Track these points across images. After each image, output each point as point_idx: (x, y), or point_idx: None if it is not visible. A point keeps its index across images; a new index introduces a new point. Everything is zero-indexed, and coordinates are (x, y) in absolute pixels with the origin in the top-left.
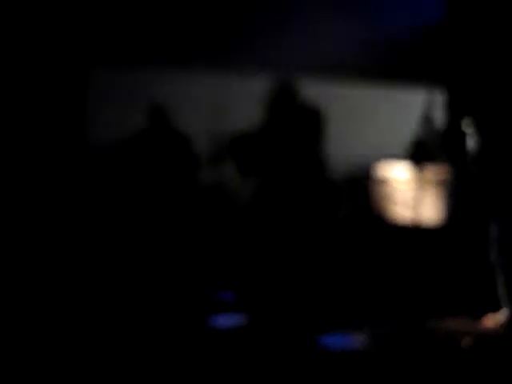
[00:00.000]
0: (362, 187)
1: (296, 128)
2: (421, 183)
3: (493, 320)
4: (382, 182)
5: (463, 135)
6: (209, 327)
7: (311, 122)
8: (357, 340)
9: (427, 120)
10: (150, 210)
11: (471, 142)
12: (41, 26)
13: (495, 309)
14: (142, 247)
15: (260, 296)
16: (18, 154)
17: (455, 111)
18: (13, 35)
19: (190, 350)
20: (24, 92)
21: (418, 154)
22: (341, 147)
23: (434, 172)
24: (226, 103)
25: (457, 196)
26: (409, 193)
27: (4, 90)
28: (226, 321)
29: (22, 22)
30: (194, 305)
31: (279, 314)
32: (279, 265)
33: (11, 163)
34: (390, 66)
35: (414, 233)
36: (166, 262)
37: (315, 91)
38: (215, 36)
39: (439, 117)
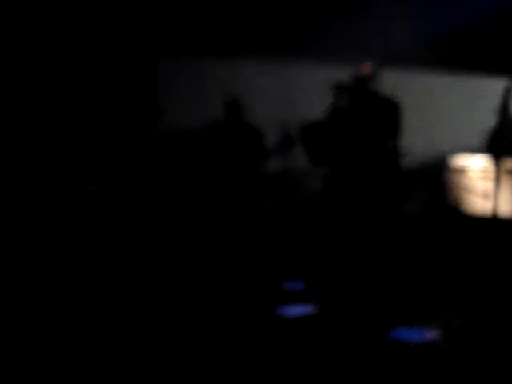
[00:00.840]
0: (440, 178)
1: (370, 118)
2: (498, 174)
3: None
4: (459, 172)
5: None
6: (278, 316)
7: (386, 112)
8: (430, 333)
9: (505, 110)
10: (219, 198)
11: None
12: (114, 17)
13: None
14: (213, 235)
15: (331, 287)
16: (92, 142)
17: None
18: (90, 29)
19: (259, 338)
20: (98, 82)
21: (496, 145)
22: (417, 137)
23: (511, 163)
24: (296, 92)
25: None
26: (486, 184)
27: (81, 81)
28: (295, 310)
29: (96, 15)
30: (264, 294)
31: (350, 305)
32: (350, 256)
33: (90, 148)
34: (466, 56)
35: (492, 224)
36: (235, 252)
37: (391, 82)
38: (289, 27)
39: None
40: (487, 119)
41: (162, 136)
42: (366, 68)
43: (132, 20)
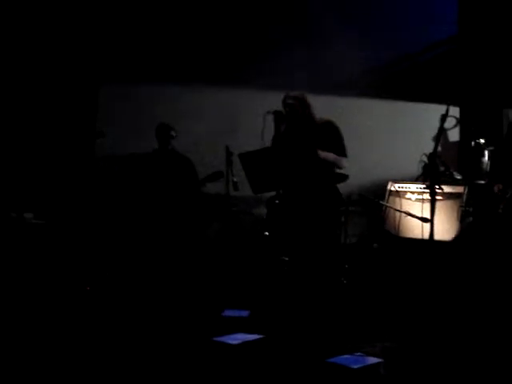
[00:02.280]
0: (377, 201)
1: (308, 144)
2: (434, 198)
3: None
4: (397, 196)
5: (479, 151)
6: (217, 343)
7: (324, 138)
8: (369, 359)
9: (441, 136)
10: (156, 223)
11: (486, 158)
12: (55, 43)
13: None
14: (152, 260)
15: (274, 314)
16: (28, 166)
17: (471, 127)
18: (27, 52)
19: (199, 365)
20: (37, 103)
21: (432, 170)
22: (356, 162)
23: (448, 187)
24: (238, 118)
25: (471, 210)
26: (422, 207)
27: (19, 104)
28: (236, 337)
29: (36, 38)
30: (204, 321)
31: (292, 332)
32: (293, 280)
33: (25, 173)
34: (406, 83)
35: (428, 246)
36: (176, 278)
37: (331, 109)
38: (228, 55)
39: (454, 132)
40: (425, 145)
41: (99, 160)
42: (295, 96)
43: (74, 47)
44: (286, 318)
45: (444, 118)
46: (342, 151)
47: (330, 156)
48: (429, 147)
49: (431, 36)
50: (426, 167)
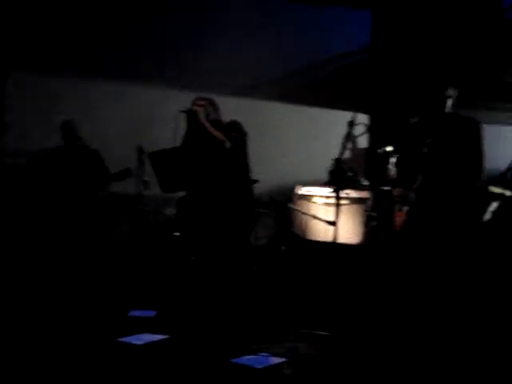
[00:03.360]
0: (285, 205)
1: (216, 146)
2: (339, 202)
3: None
4: (304, 200)
5: (385, 158)
6: (124, 343)
7: (233, 141)
8: (274, 359)
9: (348, 142)
10: (59, 222)
11: (393, 165)
12: None
13: None
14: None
15: (182, 315)
16: None
17: (380, 135)
18: None
19: (102, 365)
20: None
21: (338, 174)
22: (263, 166)
23: (355, 192)
24: (150, 117)
25: (376, 215)
26: (328, 211)
27: None
28: (142, 338)
29: None
30: (111, 321)
31: (197, 332)
32: (204, 282)
33: None
34: (315, 89)
35: (333, 249)
36: (81, 278)
37: (241, 112)
38: (139, 54)
39: (362, 138)
40: (336, 151)
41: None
42: (204, 98)
43: None
44: (193, 318)
45: (351, 124)
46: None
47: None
48: (336, 152)
49: (345, 45)
50: (332, 172)
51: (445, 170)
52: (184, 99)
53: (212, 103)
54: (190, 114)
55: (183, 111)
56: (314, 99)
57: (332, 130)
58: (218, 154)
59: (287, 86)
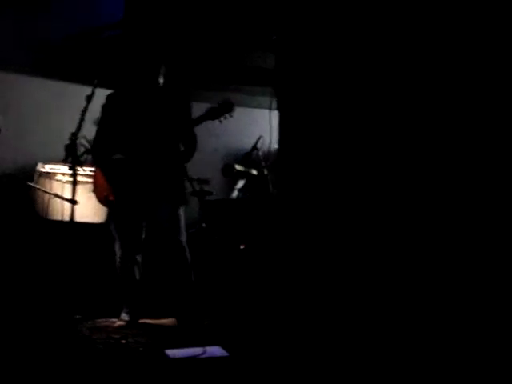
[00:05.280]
0: (27, 184)
1: None
2: (76, 179)
3: None
4: (45, 177)
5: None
6: None
7: None
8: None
9: (84, 117)
10: None
11: None
12: None
13: None
14: None
15: None
16: None
17: None
18: None
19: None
20: None
21: (74, 150)
22: (4, 144)
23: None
24: None
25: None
26: (67, 189)
27: None
28: None
29: None
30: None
31: None
32: None
33: None
34: (73, 63)
35: (73, 228)
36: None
37: None
38: None
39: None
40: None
41: None
42: None
43: None
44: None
45: (89, 98)
46: None
47: None
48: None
49: (99, 19)
50: (67, 147)
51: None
52: None
53: None
54: None
55: None
56: (61, 73)
57: (78, 104)
58: None
59: (41, 57)
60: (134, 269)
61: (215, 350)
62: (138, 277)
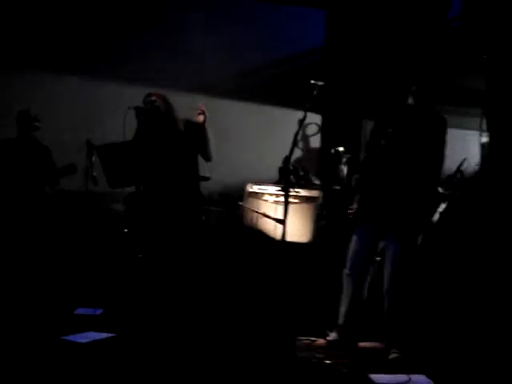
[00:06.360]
0: (235, 203)
1: (172, 141)
2: (287, 200)
3: None
4: (255, 197)
5: (337, 158)
6: (68, 342)
7: (187, 138)
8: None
9: (297, 141)
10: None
11: (344, 165)
12: None
13: None
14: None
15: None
16: None
17: (331, 135)
18: None
19: (46, 364)
20: None
21: (287, 173)
22: (223, 162)
23: (305, 190)
24: (101, 114)
25: (325, 214)
26: (277, 209)
27: None
28: (88, 336)
29: None
30: (57, 319)
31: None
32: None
33: None
34: (270, 88)
35: (281, 246)
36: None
37: (193, 109)
38: (96, 46)
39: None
40: (285, 149)
41: None
42: (156, 93)
43: None
44: (140, 316)
45: (302, 122)
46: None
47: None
48: (295, 153)
49: (299, 45)
50: (281, 170)
51: (404, 162)
52: (134, 96)
53: (164, 99)
54: (139, 111)
55: (133, 107)
56: (268, 98)
57: (287, 129)
58: (169, 149)
59: (242, 84)
60: (364, 288)
61: (421, 379)
62: (364, 296)
